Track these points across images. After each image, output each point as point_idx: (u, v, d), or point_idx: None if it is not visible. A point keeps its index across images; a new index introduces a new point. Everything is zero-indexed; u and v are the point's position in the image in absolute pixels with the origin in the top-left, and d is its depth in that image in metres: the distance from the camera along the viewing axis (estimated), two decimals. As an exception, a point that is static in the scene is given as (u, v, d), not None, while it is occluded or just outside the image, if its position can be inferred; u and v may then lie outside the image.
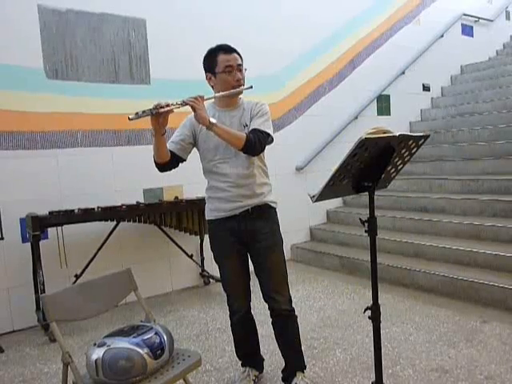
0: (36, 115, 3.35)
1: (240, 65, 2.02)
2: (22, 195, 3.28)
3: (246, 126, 2.02)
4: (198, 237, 3.92)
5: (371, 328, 1.69)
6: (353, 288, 3.75)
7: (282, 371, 2.20)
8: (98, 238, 3.43)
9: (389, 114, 5.77)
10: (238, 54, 2.03)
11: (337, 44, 5.21)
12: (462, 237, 3.88)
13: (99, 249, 3.40)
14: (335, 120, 5.17)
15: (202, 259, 4.07)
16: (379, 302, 1.69)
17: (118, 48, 3.72)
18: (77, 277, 3.31)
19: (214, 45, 2.04)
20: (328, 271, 4.35)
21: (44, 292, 2.99)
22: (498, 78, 6.09)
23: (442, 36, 6.38)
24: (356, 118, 5.30)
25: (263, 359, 2.36)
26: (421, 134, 1.64)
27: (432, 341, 2.67)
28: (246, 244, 2.08)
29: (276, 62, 4.64)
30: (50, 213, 3.10)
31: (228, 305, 2.20)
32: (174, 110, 1.83)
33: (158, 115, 1.80)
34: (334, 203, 5.29)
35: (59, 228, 3.23)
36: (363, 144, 1.44)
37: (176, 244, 3.86)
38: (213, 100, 2.05)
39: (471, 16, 6.89)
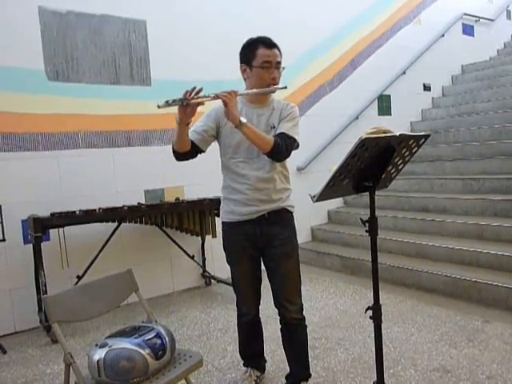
0: (37, 117, 3.36)
1: (279, 62, 1.92)
2: (24, 197, 3.29)
3: (274, 127, 1.94)
4: (200, 237, 3.93)
5: (373, 328, 1.69)
6: (354, 288, 3.75)
7: (286, 377, 2.18)
8: (100, 239, 3.44)
9: (389, 113, 5.77)
10: (279, 51, 1.92)
11: (337, 44, 5.21)
12: (463, 236, 3.88)
13: (101, 250, 3.40)
14: (336, 120, 5.17)
15: (204, 260, 4.07)
16: (381, 302, 1.69)
17: (119, 49, 3.73)
18: (78, 278, 3.31)
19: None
20: (329, 271, 4.35)
21: (46, 293, 3.00)
22: (499, 78, 6.08)
23: (443, 36, 6.38)
24: (357, 118, 5.30)
25: (266, 360, 2.35)
26: (421, 133, 1.64)
27: (434, 341, 2.67)
28: (260, 249, 2.01)
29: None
30: (51, 214, 3.10)
31: (237, 306, 2.17)
32: (205, 103, 1.75)
33: (187, 106, 1.71)
34: (336, 203, 5.29)
35: (61, 229, 3.23)
36: (363, 144, 1.44)
37: (177, 245, 3.86)
38: None
39: (472, 15, 6.89)
